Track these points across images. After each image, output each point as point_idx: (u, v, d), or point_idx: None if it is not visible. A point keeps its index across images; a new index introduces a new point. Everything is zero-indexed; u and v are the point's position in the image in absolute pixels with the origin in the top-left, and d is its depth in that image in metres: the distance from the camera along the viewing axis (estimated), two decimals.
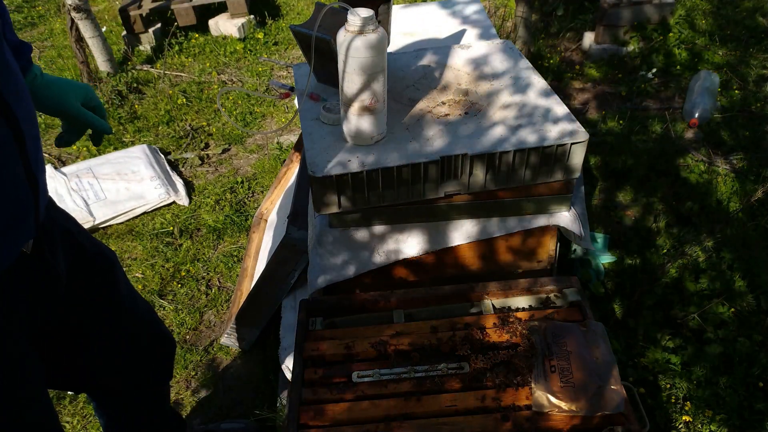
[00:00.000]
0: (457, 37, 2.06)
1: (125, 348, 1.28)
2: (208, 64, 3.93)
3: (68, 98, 1.09)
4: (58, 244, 1.03)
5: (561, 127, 1.42)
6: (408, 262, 1.54)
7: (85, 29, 3.52)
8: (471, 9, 2.22)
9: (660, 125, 3.05)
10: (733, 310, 2.00)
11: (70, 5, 3.35)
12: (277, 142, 3.18)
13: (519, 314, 1.37)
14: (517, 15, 3.44)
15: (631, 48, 3.64)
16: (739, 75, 3.38)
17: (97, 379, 1.28)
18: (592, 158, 2.83)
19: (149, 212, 2.76)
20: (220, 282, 2.41)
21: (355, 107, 1.32)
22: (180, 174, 3.01)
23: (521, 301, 1.46)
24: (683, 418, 1.76)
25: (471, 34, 2.08)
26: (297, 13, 4.63)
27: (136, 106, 3.54)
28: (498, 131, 1.42)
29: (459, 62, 1.72)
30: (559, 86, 3.48)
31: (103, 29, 4.18)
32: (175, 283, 2.40)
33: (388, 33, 1.61)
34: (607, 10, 3.61)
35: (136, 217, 2.74)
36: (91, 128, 1.13)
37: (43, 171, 0.95)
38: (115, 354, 1.25)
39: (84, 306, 1.14)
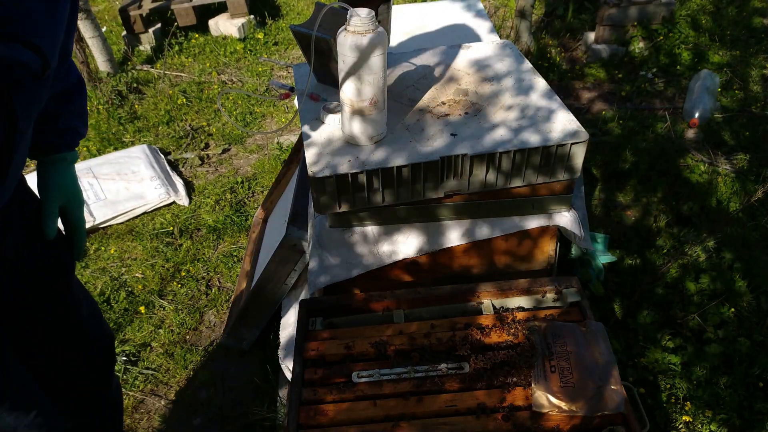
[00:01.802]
0: (457, 37, 2.06)
1: (71, 340, 1.24)
2: (208, 64, 3.93)
3: (53, 193, 1.13)
4: (9, 226, 1.02)
5: (561, 127, 1.42)
6: (408, 263, 1.54)
7: (85, 29, 3.52)
8: (471, 9, 2.23)
9: (660, 125, 3.05)
10: (733, 310, 2.00)
11: None
12: (277, 142, 3.18)
13: (519, 314, 1.37)
14: (517, 15, 3.44)
15: (631, 48, 3.64)
16: (740, 75, 3.38)
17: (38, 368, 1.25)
18: (592, 158, 2.83)
19: (149, 212, 2.76)
20: (220, 282, 2.41)
21: (355, 107, 1.32)
22: (180, 174, 3.01)
23: (521, 301, 1.46)
24: (683, 418, 1.76)
25: (471, 34, 2.08)
26: (297, 13, 4.63)
27: (136, 106, 3.54)
28: (498, 131, 1.42)
29: (459, 62, 1.72)
30: (559, 86, 3.48)
31: (103, 29, 4.18)
32: (175, 283, 2.40)
33: (388, 33, 1.61)
34: (607, 9, 3.61)
35: (136, 217, 2.74)
36: (43, 224, 1.13)
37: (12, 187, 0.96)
38: (55, 348, 1.22)
39: (33, 295, 1.11)
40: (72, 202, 1.16)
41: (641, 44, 3.64)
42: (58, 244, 1.17)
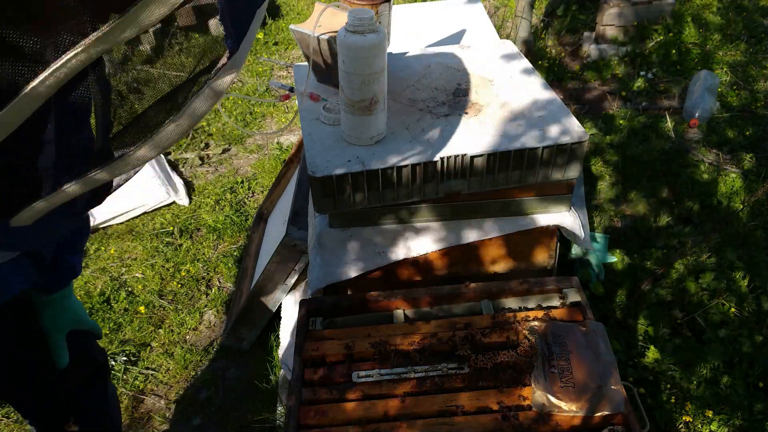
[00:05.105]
0: (457, 37, 2.06)
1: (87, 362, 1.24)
2: None
3: (55, 330, 1.11)
4: None
5: (561, 127, 1.42)
6: (408, 262, 1.54)
7: None
8: (471, 9, 2.22)
9: (661, 125, 3.05)
10: (733, 310, 2.00)
11: None
12: (277, 142, 3.18)
13: (519, 314, 1.37)
14: (517, 15, 3.44)
15: (631, 48, 3.64)
16: (740, 75, 3.38)
17: (55, 394, 1.23)
18: (592, 158, 2.83)
19: (149, 212, 2.76)
20: (220, 282, 2.41)
21: (355, 107, 1.32)
22: (180, 174, 3.01)
23: (521, 302, 1.46)
24: (683, 418, 1.76)
25: (471, 34, 2.08)
26: (297, 13, 4.63)
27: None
28: (498, 131, 1.42)
29: (459, 62, 1.72)
30: (559, 86, 3.48)
31: None
32: (175, 283, 2.40)
33: (388, 33, 1.61)
34: (608, 9, 3.61)
35: (136, 217, 2.74)
36: (53, 356, 1.14)
37: None
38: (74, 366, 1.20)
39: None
40: (78, 326, 1.15)
41: (641, 44, 3.64)
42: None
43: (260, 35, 4.19)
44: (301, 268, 1.82)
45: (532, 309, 1.42)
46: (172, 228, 2.66)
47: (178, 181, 2.87)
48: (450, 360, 1.28)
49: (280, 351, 1.83)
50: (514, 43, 2.25)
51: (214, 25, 0.63)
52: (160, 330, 2.21)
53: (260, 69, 3.87)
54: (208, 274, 2.44)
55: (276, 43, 4.20)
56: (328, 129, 1.47)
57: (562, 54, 3.73)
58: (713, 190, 2.59)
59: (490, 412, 1.18)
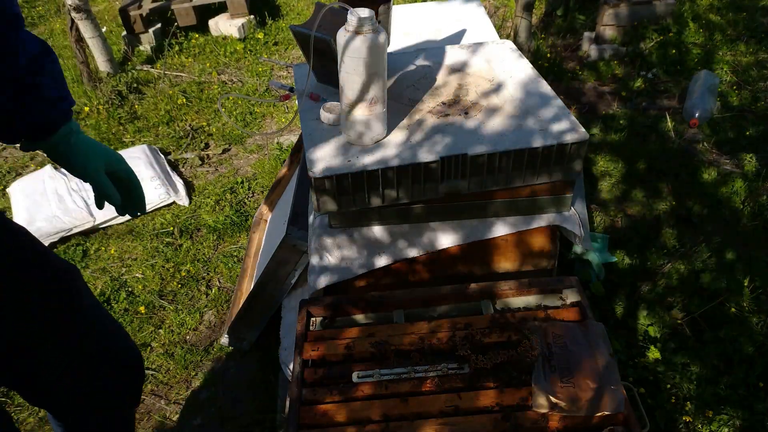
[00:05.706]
0: (457, 37, 2.06)
1: (84, 362, 1.23)
2: (208, 65, 3.93)
3: (89, 166, 1.08)
4: None
5: (561, 127, 1.42)
6: (408, 262, 1.54)
7: (85, 29, 3.52)
8: (471, 9, 2.22)
9: (660, 125, 3.05)
10: (734, 310, 2.00)
11: (70, 5, 3.35)
12: (277, 142, 3.18)
13: (519, 314, 1.37)
14: (517, 15, 3.44)
15: (631, 48, 3.64)
16: (740, 75, 3.38)
17: (54, 394, 1.24)
18: (592, 158, 2.83)
19: (149, 212, 2.76)
20: (220, 282, 2.41)
21: (355, 107, 1.32)
22: (180, 174, 3.01)
23: (521, 301, 1.46)
24: (683, 418, 1.76)
25: (471, 34, 2.08)
26: (297, 13, 4.63)
27: (136, 106, 3.54)
28: (498, 131, 1.42)
29: (459, 62, 1.72)
30: (559, 86, 3.48)
31: (103, 29, 4.18)
32: (175, 283, 2.40)
33: (388, 33, 1.61)
34: (608, 9, 3.61)
35: (137, 216, 2.74)
36: (105, 199, 1.12)
37: None
38: (73, 367, 1.20)
39: (35, 319, 1.11)
40: (111, 162, 1.11)
41: (642, 44, 3.64)
42: (56, 276, 1.14)
43: (260, 35, 4.19)
44: (301, 268, 1.82)
45: (532, 309, 1.43)
46: (172, 228, 2.66)
47: (178, 181, 2.87)
48: (450, 360, 1.28)
49: (281, 351, 1.83)
50: (514, 43, 2.25)
51: None
52: (160, 330, 2.21)
53: (260, 69, 3.87)
54: (208, 274, 2.44)
55: (276, 43, 4.20)
56: (328, 129, 1.47)
57: (562, 54, 3.73)
58: (713, 190, 2.59)
59: (491, 413, 1.18)
